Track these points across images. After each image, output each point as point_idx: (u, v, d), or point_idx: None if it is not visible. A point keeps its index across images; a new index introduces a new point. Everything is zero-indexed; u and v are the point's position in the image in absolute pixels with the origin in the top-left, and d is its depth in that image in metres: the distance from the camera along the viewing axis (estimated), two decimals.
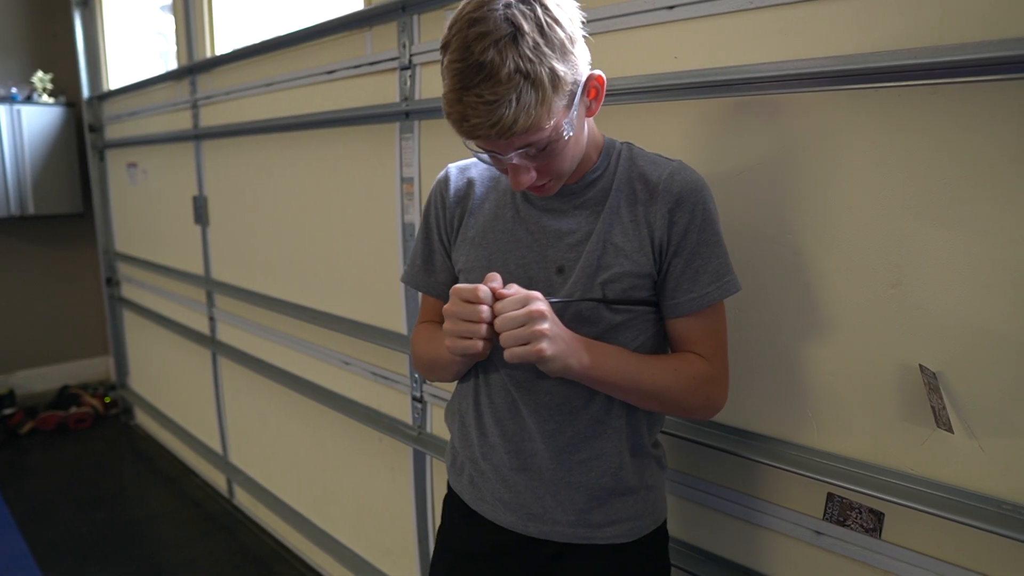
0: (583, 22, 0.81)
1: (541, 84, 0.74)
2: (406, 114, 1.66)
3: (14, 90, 3.65)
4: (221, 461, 2.86)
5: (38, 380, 4.00)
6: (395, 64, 1.68)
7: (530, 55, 0.73)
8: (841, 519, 1.02)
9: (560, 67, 0.75)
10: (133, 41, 3.57)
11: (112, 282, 3.72)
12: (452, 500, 1.09)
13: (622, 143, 0.96)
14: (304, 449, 2.33)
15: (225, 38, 2.64)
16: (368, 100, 1.80)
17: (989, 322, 0.85)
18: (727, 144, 1.08)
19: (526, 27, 0.73)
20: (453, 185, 1.01)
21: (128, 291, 3.64)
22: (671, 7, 1.11)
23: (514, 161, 0.81)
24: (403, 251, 1.75)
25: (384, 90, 1.74)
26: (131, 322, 3.66)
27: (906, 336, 0.92)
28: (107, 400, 3.85)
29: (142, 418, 3.67)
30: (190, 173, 2.73)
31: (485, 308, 0.81)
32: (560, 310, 0.88)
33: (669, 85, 1.11)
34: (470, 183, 1.00)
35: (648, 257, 0.89)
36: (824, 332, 1.01)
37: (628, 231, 0.90)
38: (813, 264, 1.01)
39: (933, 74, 0.85)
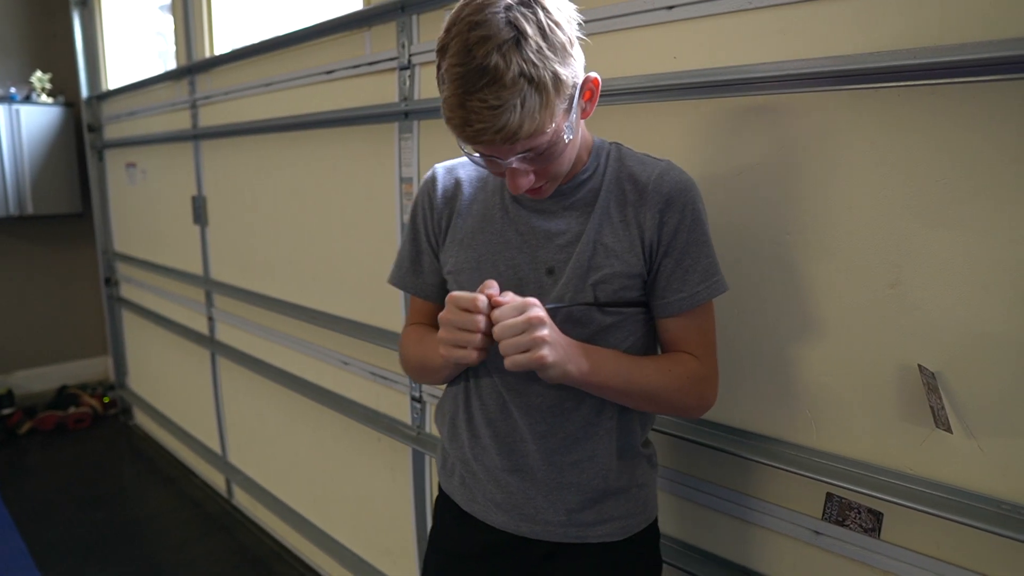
0: (579, 23, 0.81)
1: (545, 88, 0.74)
2: (405, 114, 1.66)
3: (13, 90, 3.65)
4: (220, 461, 2.86)
5: (37, 380, 4.00)
6: (394, 64, 1.68)
7: (534, 59, 0.72)
8: (840, 519, 1.02)
9: (562, 70, 0.75)
10: (132, 41, 3.57)
11: (111, 282, 3.72)
12: (443, 502, 1.09)
13: (611, 143, 0.96)
14: (303, 449, 2.33)
15: (224, 38, 2.64)
16: (367, 100, 1.80)
17: (988, 322, 0.85)
18: (727, 144, 1.08)
19: (529, 30, 0.73)
20: (440, 186, 1.00)
21: (127, 291, 3.63)
22: (670, 7, 1.11)
23: (513, 165, 0.80)
24: None
25: (383, 90, 1.74)
26: (130, 322, 3.66)
27: (905, 336, 0.93)
28: (106, 400, 3.84)
29: (141, 418, 3.66)
30: (189, 173, 2.73)
31: (482, 318, 0.80)
32: (551, 313, 0.87)
33: (668, 85, 1.11)
34: (457, 183, 0.99)
35: (639, 257, 0.90)
36: (823, 332, 1.01)
37: (618, 232, 0.90)
38: (812, 264, 1.01)
39: (933, 74, 0.85)
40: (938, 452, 0.92)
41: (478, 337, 0.81)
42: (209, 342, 2.77)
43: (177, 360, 3.13)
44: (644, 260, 0.90)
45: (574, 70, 0.78)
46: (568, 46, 0.76)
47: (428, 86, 1.63)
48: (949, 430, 0.88)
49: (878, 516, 0.98)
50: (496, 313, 0.80)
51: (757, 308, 1.08)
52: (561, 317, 0.89)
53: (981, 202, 0.84)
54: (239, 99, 2.38)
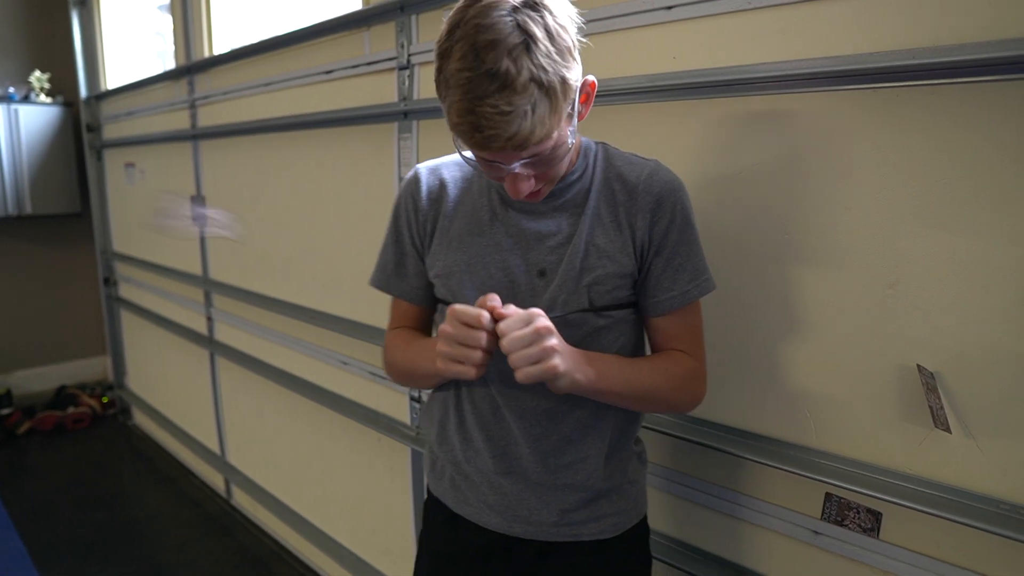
0: (579, 27, 0.80)
1: (554, 93, 0.73)
2: (404, 114, 1.65)
3: (11, 90, 3.64)
4: (219, 461, 2.86)
5: (36, 380, 3.99)
6: (393, 64, 1.68)
7: (543, 63, 0.71)
8: (839, 519, 1.02)
9: (568, 74, 0.75)
10: (131, 41, 3.57)
11: (110, 282, 3.72)
12: (433, 504, 1.07)
13: (597, 143, 0.95)
14: (302, 449, 2.33)
15: (223, 38, 2.63)
16: (366, 100, 1.80)
17: (987, 322, 0.85)
18: (726, 144, 1.08)
19: (538, 34, 0.71)
20: (425, 187, 0.97)
21: (126, 291, 3.63)
22: (669, 7, 1.11)
23: (516, 171, 0.79)
24: None
25: (382, 90, 1.74)
26: (129, 322, 3.65)
27: (904, 336, 0.93)
28: (105, 400, 3.84)
29: (140, 418, 3.66)
30: (188, 173, 2.73)
31: (484, 335, 0.79)
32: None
33: (668, 85, 1.11)
34: (442, 184, 0.97)
35: (631, 258, 0.90)
36: (823, 332, 1.01)
37: (610, 232, 0.90)
38: (812, 264, 1.01)
39: (933, 74, 0.85)
40: (937, 452, 0.92)
41: (479, 354, 0.79)
42: (208, 342, 2.77)
43: (176, 360, 3.13)
44: (635, 260, 0.90)
45: (576, 73, 0.77)
46: (572, 49, 0.76)
47: (427, 86, 1.63)
48: (948, 430, 0.89)
49: (877, 516, 0.98)
50: (503, 326, 0.78)
51: (756, 308, 1.08)
52: (554, 321, 0.88)
53: (981, 202, 0.84)
54: (238, 99, 2.38)
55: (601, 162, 0.93)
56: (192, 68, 2.59)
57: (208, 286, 2.71)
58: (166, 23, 3.37)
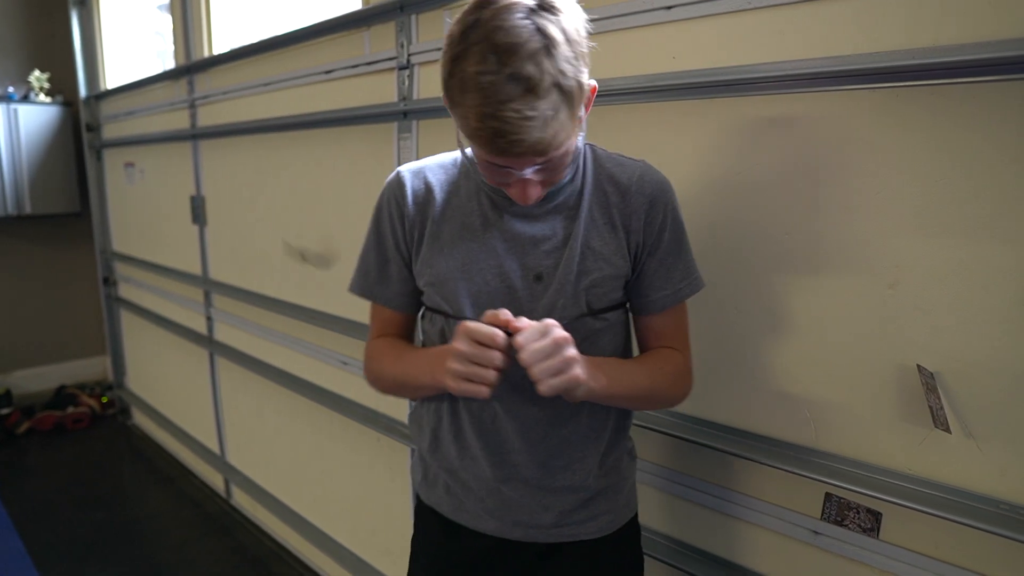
0: (588, 29, 0.80)
1: (572, 97, 0.72)
2: (404, 114, 1.65)
3: (11, 89, 3.64)
4: (219, 461, 2.86)
5: (35, 380, 3.99)
6: (393, 64, 1.68)
7: (563, 67, 0.70)
8: (839, 519, 1.02)
9: (583, 79, 0.74)
10: (130, 40, 3.56)
11: (109, 282, 3.71)
12: (425, 513, 1.05)
13: (585, 144, 0.94)
14: (302, 449, 2.33)
15: (223, 38, 2.63)
16: (366, 100, 1.80)
17: (987, 323, 0.85)
18: (726, 144, 1.08)
19: (558, 38, 0.70)
20: (411, 191, 0.93)
21: (125, 291, 3.63)
22: (669, 7, 1.11)
23: (528, 176, 0.77)
24: None
25: (382, 90, 1.74)
26: (128, 322, 3.65)
27: (904, 336, 0.93)
28: (104, 400, 3.84)
29: (139, 418, 3.66)
30: (187, 173, 2.73)
31: (499, 355, 0.77)
32: None
33: (667, 85, 1.11)
34: (428, 188, 0.93)
35: (625, 259, 0.91)
36: (823, 332, 1.01)
37: (604, 235, 0.90)
38: (812, 264, 1.01)
39: (932, 74, 0.85)
40: (937, 452, 0.92)
41: (493, 374, 0.78)
42: (208, 342, 2.77)
43: (176, 360, 3.13)
44: (630, 262, 0.91)
45: (587, 77, 0.77)
46: (585, 53, 0.75)
47: (427, 86, 1.63)
48: (948, 430, 0.89)
49: (877, 516, 0.98)
50: (521, 339, 0.77)
51: (756, 308, 1.08)
52: None
53: (981, 202, 0.84)
54: (238, 99, 2.37)
55: (591, 164, 0.92)
56: (192, 68, 2.59)
57: (208, 286, 2.71)
58: (166, 23, 3.37)
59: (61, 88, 3.79)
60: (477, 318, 0.87)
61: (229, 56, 2.36)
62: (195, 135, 2.63)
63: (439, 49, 1.66)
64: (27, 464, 3.25)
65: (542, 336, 0.77)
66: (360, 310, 1.94)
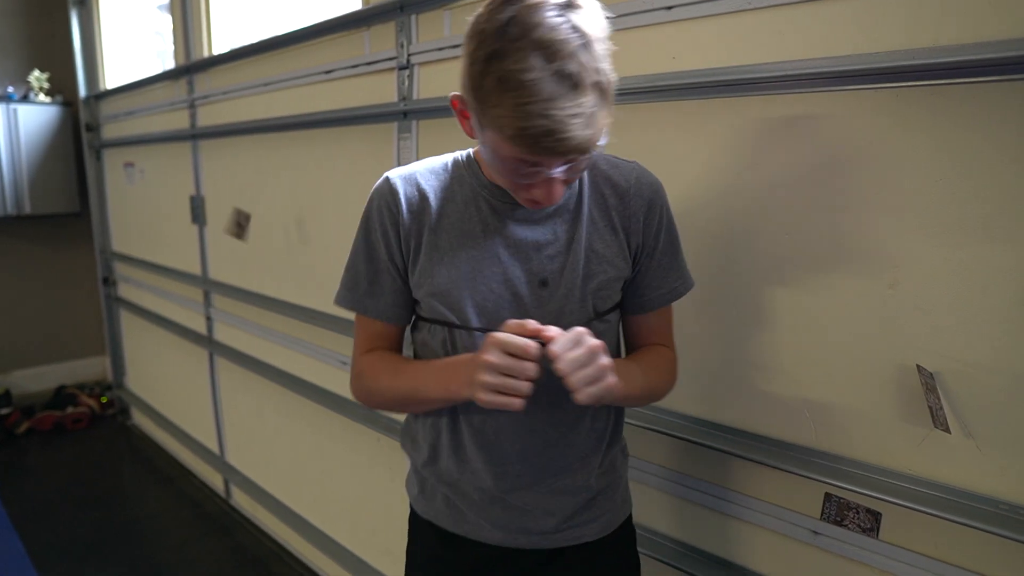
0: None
1: (607, 93, 0.72)
2: (404, 114, 1.65)
3: (11, 89, 3.64)
4: (218, 461, 2.85)
5: (34, 380, 3.99)
6: (393, 64, 1.68)
7: (599, 65, 0.70)
8: (839, 519, 1.02)
9: (612, 76, 0.73)
10: (130, 40, 3.56)
11: (109, 282, 3.71)
12: (423, 526, 1.02)
13: None
14: (302, 449, 2.33)
15: (222, 38, 2.63)
16: (366, 100, 1.80)
17: (987, 323, 0.85)
18: (725, 144, 1.08)
19: (592, 34, 0.70)
20: (404, 198, 0.89)
21: (125, 291, 3.63)
22: (669, 7, 1.11)
23: (556, 174, 0.76)
24: None
25: (382, 90, 1.74)
26: (128, 322, 3.65)
27: (904, 336, 0.93)
28: (104, 400, 3.84)
29: (139, 418, 3.66)
30: (187, 173, 2.72)
31: (533, 366, 0.76)
32: None
33: (667, 86, 1.11)
34: (423, 195, 0.89)
35: (627, 261, 0.91)
36: (822, 332, 1.01)
37: (606, 237, 0.90)
38: (812, 264, 1.01)
39: (933, 75, 0.85)
40: (936, 452, 0.92)
41: (527, 385, 0.76)
42: (207, 342, 2.77)
43: (175, 360, 3.13)
44: (630, 263, 0.92)
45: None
46: (609, 51, 0.74)
47: (427, 86, 1.63)
48: (947, 430, 0.89)
49: (876, 516, 0.98)
50: (556, 348, 0.75)
51: (756, 308, 1.08)
52: None
53: (981, 202, 0.85)
54: (237, 99, 2.37)
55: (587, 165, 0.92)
56: (191, 68, 2.59)
57: (207, 286, 2.71)
58: (165, 23, 3.37)
59: (61, 88, 3.79)
60: (485, 327, 0.86)
61: (229, 56, 2.36)
62: (195, 135, 2.63)
63: (439, 49, 1.67)
64: (26, 464, 3.25)
65: (576, 345, 0.76)
66: None
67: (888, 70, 0.88)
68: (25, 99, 3.67)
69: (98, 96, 3.51)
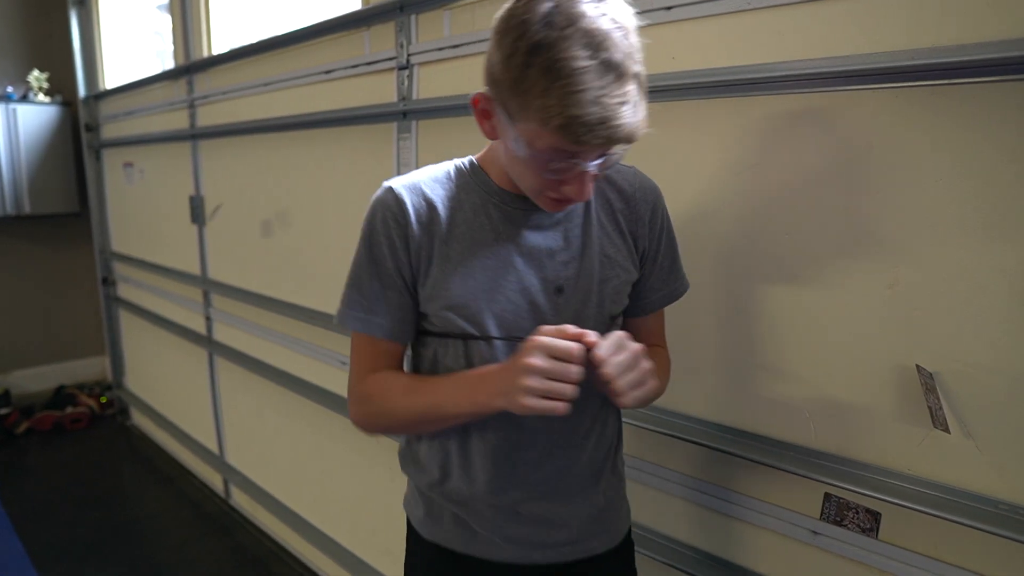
0: None
1: (643, 85, 0.72)
2: (403, 114, 1.65)
3: (10, 89, 3.64)
4: (218, 461, 2.85)
5: (34, 380, 3.99)
6: (393, 64, 1.68)
7: (635, 55, 0.71)
8: (838, 519, 1.02)
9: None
10: (130, 40, 3.56)
11: (108, 282, 3.71)
12: (427, 549, 0.98)
13: None
14: (301, 449, 2.33)
15: (222, 38, 2.63)
16: (365, 100, 1.80)
17: (986, 323, 0.85)
18: (724, 145, 1.08)
19: (628, 25, 0.71)
20: (412, 209, 0.85)
21: (124, 291, 3.62)
22: (669, 7, 1.11)
23: (590, 168, 0.75)
24: None
25: (382, 90, 1.74)
26: (127, 322, 3.65)
27: (903, 336, 0.93)
28: (103, 400, 3.84)
29: (138, 418, 3.66)
30: (187, 173, 2.72)
31: (578, 369, 0.74)
32: None
33: (667, 86, 1.11)
34: (431, 205, 0.86)
35: (635, 265, 0.92)
36: (822, 332, 1.01)
37: (616, 241, 0.90)
38: (811, 264, 1.01)
39: (933, 75, 0.85)
40: (936, 452, 0.92)
41: (572, 388, 0.74)
42: (207, 342, 2.77)
43: (175, 360, 3.13)
44: (637, 266, 0.93)
45: None
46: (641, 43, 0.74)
47: (426, 86, 1.63)
48: (947, 430, 0.89)
49: (876, 516, 0.98)
50: (601, 353, 0.74)
51: (755, 308, 1.08)
52: None
53: (980, 203, 0.85)
54: (237, 99, 2.37)
55: None
56: (191, 68, 2.59)
57: (207, 286, 2.71)
58: (165, 22, 3.36)
59: (60, 88, 3.78)
60: (506, 337, 0.85)
61: (229, 56, 2.36)
62: (194, 135, 2.63)
63: (439, 49, 1.67)
64: (26, 464, 3.25)
65: (620, 349, 0.75)
66: None
67: (888, 70, 0.88)
68: (24, 99, 3.66)
69: (97, 96, 3.51)
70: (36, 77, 3.72)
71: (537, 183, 0.79)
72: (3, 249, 3.87)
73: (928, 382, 0.89)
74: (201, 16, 2.62)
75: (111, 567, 2.38)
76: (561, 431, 0.90)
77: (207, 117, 2.58)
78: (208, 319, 2.76)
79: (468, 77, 1.52)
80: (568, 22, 0.67)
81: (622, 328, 0.99)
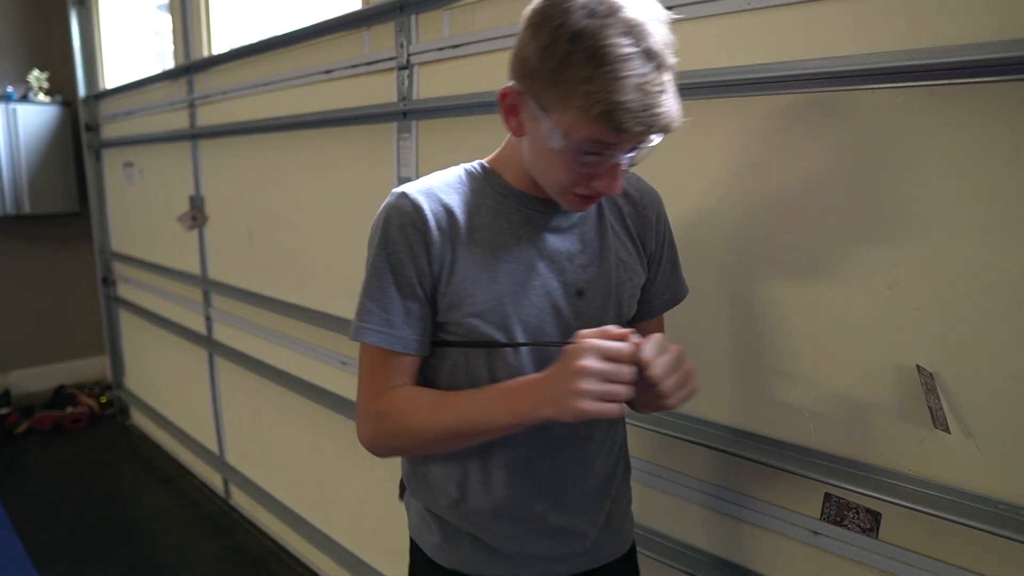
0: None
1: (673, 76, 0.72)
2: (403, 114, 1.65)
3: (10, 89, 3.64)
4: (218, 461, 2.85)
5: (34, 380, 3.99)
6: (393, 64, 1.68)
7: (672, 46, 0.71)
8: (838, 519, 1.02)
9: None
10: (130, 40, 3.56)
11: (108, 282, 3.71)
12: (441, 574, 0.95)
13: None
14: (301, 449, 2.33)
15: (222, 38, 2.63)
16: (366, 100, 1.80)
17: (986, 322, 0.85)
18: (724, 145, 1.08)
19: (662, 17, 0.71)
20: (432, 216, 0.81)
21: (124, 291, 3.62)
22: (669, 7, 1.10)
23: (624, 161, 0.75)
24: None
25: (382, 90, 1.74)
26: (127, 322, 3.65)
27: (903, 336, 0.93)
28: (103, 400, 3.84)
29: (138, 418, 3.66)
30: (187, 173, 2.72)
31: (631, 369, 0.73)
32: None
33: None
34: (448, 211, 0.82)
35: (644, 268, 0.94)
36: (822, 332, 1.01)
37: (627, 245, 0.91)
38: (812, 265, 1.01)
39: (932, 75, 0.85)
40: (936, 452, 0.92)
41: (626, 390, 0.72)
42: (207, 342, 2.77)
43: (175, 360, 3.13)
44: (645, 269, 0.94)
45: None
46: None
47: (426, 86, 1.63)
48: (947, 430, 0.89)
49: (876, 516, 0.98)
50: (648, 355, 0.73)
51: (755, 308, 1.08)
52: None
53: (980, 203, 0.85)
54: (237, 99, 2.37)
55: None
56: (191, 68, 2.59)
57: (207, 286, 2.71)
58: (165, 22, 3.36)
59: (60, 88, 3.78)
60: (533, 343, 0.84)
61: (228, 56, 2.36)
62: (194, 135, 2.63)
63: (439, 49, 1.67)
64: (26, 464, 3.25)
65: (663, 351, 0.74)
66: None
67: (888, 70, 0.88)
68: (24, 99, 3.66)
69: (97, 96, 3.51)
70: (36, 77, 3.72)
71: (567, 178, 0.77)
72: (3, 249, 3.87)
73: (928, 382, 0.89)
74: (201, 16, 2.62)
75: (111, 567, 2.38)
76: (579, 439, 0.90)
77: (207, 117, 2.58)
78: (208, 319, 2.76)
79: (468, 77, 1.52)
80: (610, 11, 0.68)
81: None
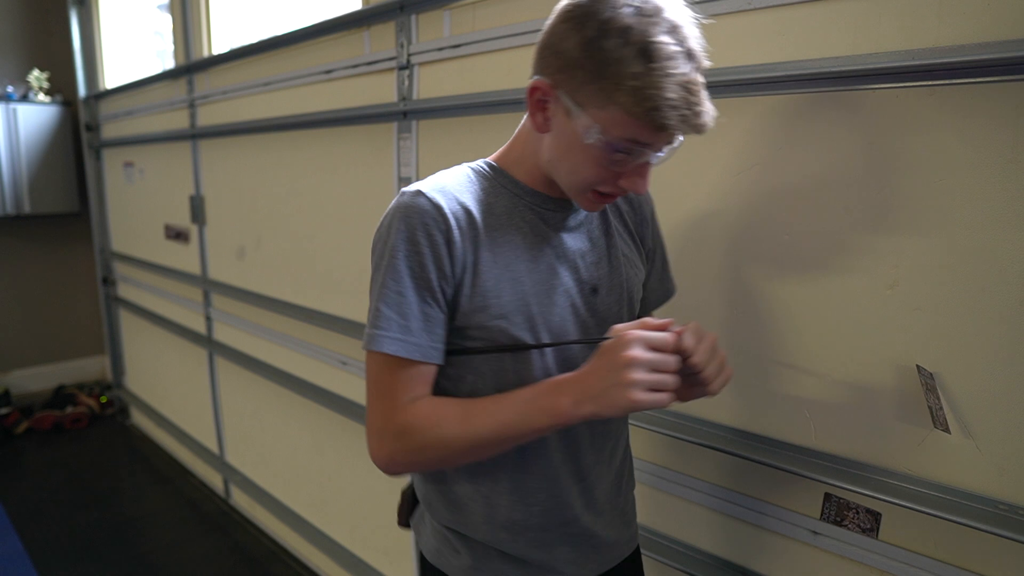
0: None
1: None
2: (404, 114, 1.65)
3: (10, 88, 3.64)
4: (217, 461, 2.85)
5: (34, 380, 3.99)
6: (393, 64, 1.68)
7: (705, 47, 0.72)
8: (838, 519, 1.02)
9: None
10: (130, 40, 3.56)
11: (108, 281, 3.71)
12: None
13: None
14: (301, 449, 2.33)
15: (222, 37, 2.63)
16: (366, 100, 1.80)
17: (986, 322, 0.86)
18: (724, 145, 1.08)
19: (692, 18, 0.72)
20: (451, 215, 0.77)
21: (124, 291, 3.62)
22: None
23: (654, 160, 0.75)
24: None
25: (382, 90, 1.74)
26: (127, 322, 3.65)
27: (903, 336, 0.93)
28: (103, 400, 3.84)
29: (138, 418, 3.66)
30: (187, 172, 2.72)
31: (677, 359, 0.72)
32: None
33: None
34: (466, 210, 0.79)
35: (643, 265, 0.95)
36: (822, 332, 1.01)
37: (628, 242, 0.92)
38: (812, 265, 1.01)
39: (932, 75, 0.85)
40: (936, 452, 0.92)
41: (675, 379, 0.71)
42: (207, 342, 2.77)
43: (175, 360, 3.13)
44: (644, 265, 0.96)
45: None
46: None
47: (427, 86, 1.63)
48: (947, 430, 0.89)
49: (876, 516, 0.98)
50: (688, 343, 0.72)
51: (756, 308, 1.08)
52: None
53: (980, 203, 0.85)
54: (237, 98, 2.37)
55: None
56: (191, 67, 2.59)
57: (207, 286, 2.71)
58: (165, 22, 3.37)
59: (60, 87, 3.79)
60: (567, 340, 0.83)
61: (229, 56, 2.36)
62: (194, 135, 2.63)
63: (439, 49, 1.67)
64: (26, 464, 3.25)
65: (701, 338, 0.74)
66: (359, 310, 1.93)
67: (888, 70, 0.88)
68: (24, 99, 3.66)
69: (98, 96, 3.51)
70: (36, 77, 3.72)
71: (594, 176, 0.75)
72: (3, 249, 3.87)
73: (928, 382, 0.89)
74: (201, 16, 2.62)
75: (110, 566, 2.38)
76: (598, 438, 0.90)
77: (207, 117, 2.58)
78: (208, 319, 2.76)
79: (468, 77, 1.52)
80: (656, 10, 0.69)
81: None
